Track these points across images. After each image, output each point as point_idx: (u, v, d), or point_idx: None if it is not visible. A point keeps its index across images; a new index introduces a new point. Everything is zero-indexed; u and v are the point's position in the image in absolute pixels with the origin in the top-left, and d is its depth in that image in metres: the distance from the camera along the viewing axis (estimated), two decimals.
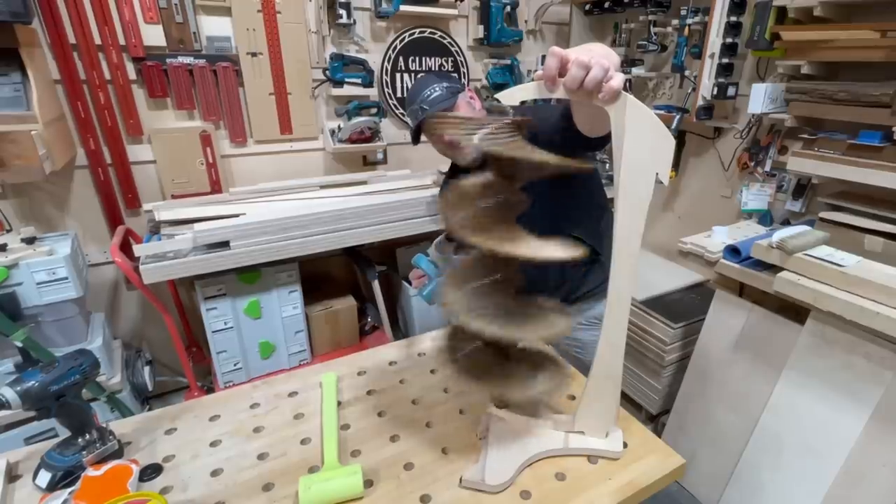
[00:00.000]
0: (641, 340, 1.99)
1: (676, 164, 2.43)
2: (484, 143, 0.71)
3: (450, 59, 2.58)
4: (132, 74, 1.93)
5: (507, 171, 0.74)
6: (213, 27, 2.03)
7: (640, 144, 0.70)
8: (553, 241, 0.75)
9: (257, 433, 0.96)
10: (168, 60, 1.95)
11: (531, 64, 2.76)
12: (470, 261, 0.79)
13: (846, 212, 1.66)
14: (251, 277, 1.91)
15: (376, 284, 2.19)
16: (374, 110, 2.33)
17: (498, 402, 0.96)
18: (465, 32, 2.59)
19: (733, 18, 1.91)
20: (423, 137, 1.28)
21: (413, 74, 2.50)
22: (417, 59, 2.49)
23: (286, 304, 2.02)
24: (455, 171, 1.40)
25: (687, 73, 2.18)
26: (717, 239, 1.87)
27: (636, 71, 2.41)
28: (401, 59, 2.45)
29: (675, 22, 2.16)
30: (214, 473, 0.86)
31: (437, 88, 1.19)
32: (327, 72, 2.24)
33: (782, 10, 1.73)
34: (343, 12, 2.15)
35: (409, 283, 1.35)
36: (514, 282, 0.80)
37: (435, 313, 1.47)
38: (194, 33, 1.98)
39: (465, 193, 0.75)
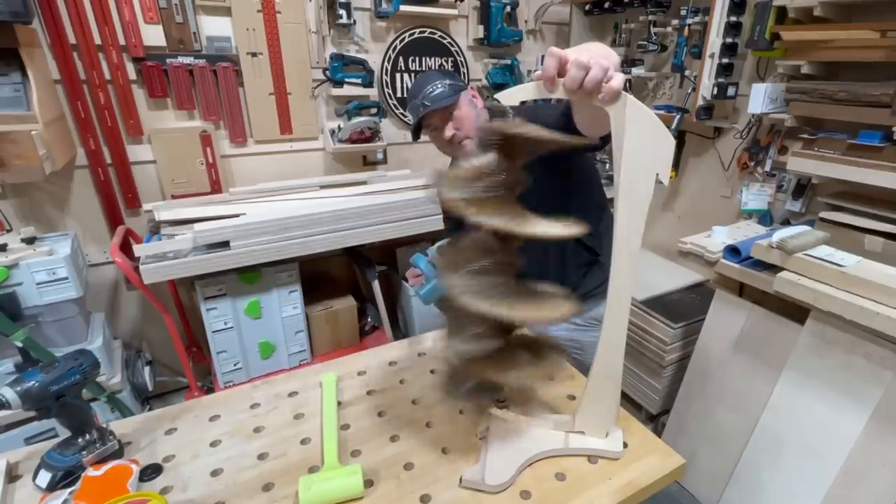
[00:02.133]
0: (641, 340, 1.99)
1: (676, 164, 2.43)
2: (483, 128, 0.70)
3: (450, 59, 2.58)
4: (132, 74, 1.93)
5: (508, 152, 0.73)
6: (213, 27, 2.03)
7: (640, 144, 0.70)
8: (553, 220, 0.73)
9: (257, 433, 0.96)
10: (168, 60, 1.95)
11: (531, 64, 2.76)
12: (470, 243, 0.78)
13: (846, 212, 1.66)
14: (251, 277, 1.91)
15: (376, 284, 2.19)
16: (374, 110, 2.34)
17: (498, 402, 0.96)
18: (465, 32, 2.59)
19: (733, 18, 1.92)
20: (423, 135, 1.28)
21: (413, 74, 2.50)
22: (417, 59, 2.49)
23: (286, 304, 2.02)
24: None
25: (687, 73, 2.18)
26: (717, 239, 1.87)
27: (636, 71, 2.41)
28: (401, 59, 2.45)
29: (675, 22, 2.16)
30: (214, 473, 0.86)
31: (439, 85, 1.18)
32: (327, 72, 2.24)
33: (782, 10, 1.73)
34: (343, 12, 2.16)
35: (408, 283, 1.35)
36: (513, 264, 0.79)
37: (435, 313, 1.47)
38: (194, 33, 1.98)
39: (465, 174, 0.74)
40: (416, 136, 1.27)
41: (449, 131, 1.19)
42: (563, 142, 0.70)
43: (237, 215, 1.85)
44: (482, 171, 0.73)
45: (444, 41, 2.53)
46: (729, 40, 1.95)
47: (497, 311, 0.71)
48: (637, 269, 0.77)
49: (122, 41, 1.87)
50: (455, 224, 0.82)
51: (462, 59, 2.61)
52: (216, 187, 2.17)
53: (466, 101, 1.21)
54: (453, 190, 0.72)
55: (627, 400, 2.11)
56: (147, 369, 2.07)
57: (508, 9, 2.52)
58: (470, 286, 0.74)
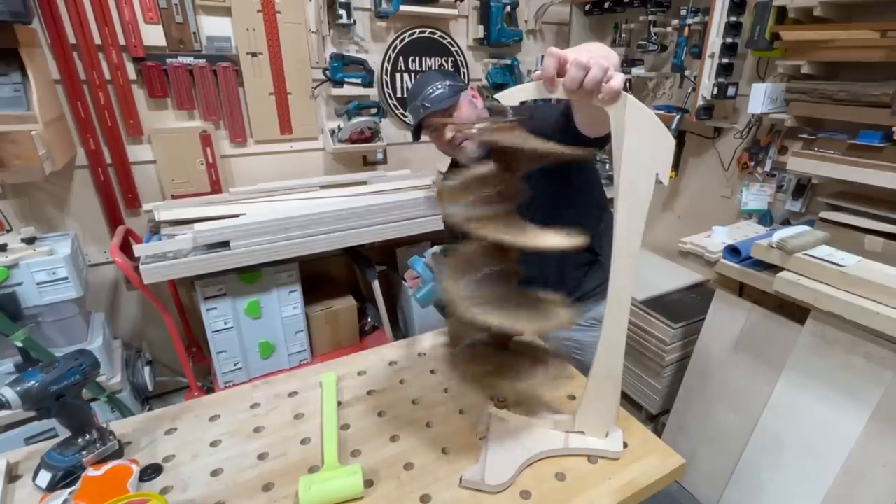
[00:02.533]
0: (641, 340, 1.99)
1: (676, 164, 2.43)
2: (482, 135, 0.70)
3: (450, 59, 2.58)
4: (132, 74, 1.93)
5: (507, 162, 0.73)
6: (213, 27, 2.03)
7: (640, 144, 0.70)
8: (553, 230, 0.74)
9: (257, 433, 0.96)
10: (168, 60, 1.95)
11: (531, 64, 2.76)
12: (470, 252, 0.79)
13: (846, 212, 1.66)
14: (251, 277, 1.91)
15: (376, 284, 2.19)
16: (374, 110, 2.34)
17: (498, 402, 0.96)
18: (465, 32, 2.59)
19: (733, 18, 1.92)
20: (423, 136, 1.28)
21: (413, 74, 2.50)
22: (417, 59, 2.49)
23: (286, 304, 2.02)
24: (455, 169, 1.40)
25: (687, 73, 2.18)
26: (717, 239, 1.87)
27: (636, 71, 2.41)
28: (401, 59, 2.45)
29: (675, 22, 2.16)
30: (214, 473, 0.86)
31: (439, 86, 1.18)
32: (327, 72, 2.24)
33: (782, 10, 1.73)
34: (343, 12, 2.16)
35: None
36: (515, 273, 0.80)
37: (435, 313, 1.47)
38: (194, 33, 1.98)
39: (465, 184, 0.74)
40: (416, 137, 1.28)
41: (449, 133, 1.19)
42: (562, 154, 0.70)
43: (237, 215, 1.85)
44: (480, 181, 0.74)
45: (444, 41, 2.53)
46: (729, 40, 1.95)
47: (498, 321, 0.72)
48: (637, 269, 0.77)
49: (122, 41, 1.87)
50: (455, 231, 0.82)
51: (462, 59, 2.61)
52: (216, 187, 2.17)
53: (466, 102, 1.21)
54: (453, 200, 0.73)
55: (627, 400, 2.11)
56: (147, 369, 2.07)
57: (508, 9, 2.52)
58: (470, 296, 0.74)
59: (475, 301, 0.73)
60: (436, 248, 1.26)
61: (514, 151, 0.71)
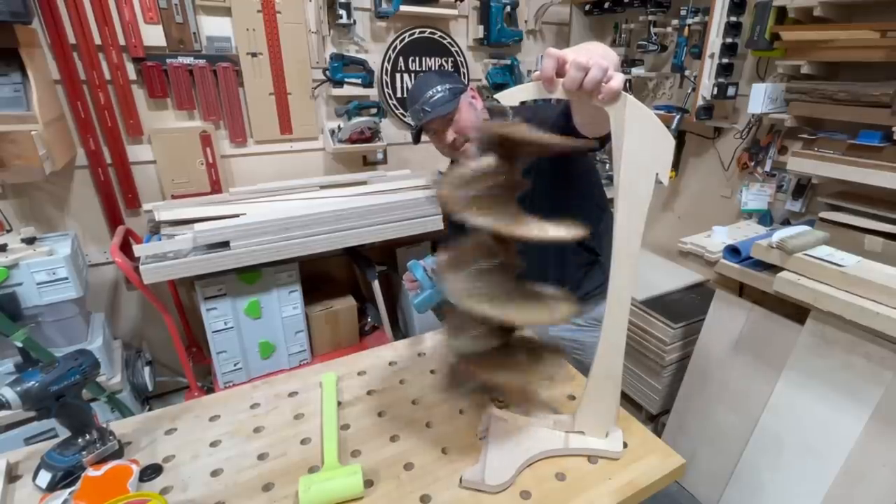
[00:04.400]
0: (641, 340, 1.99)
1: (676, 164, 2.43)
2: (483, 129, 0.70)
3: (450, 60, 2.58)
4: (132, 74, 1.93)
5: (506, 151, 0.73)
6: (213, 27, 2.03)
7: (639, 144, 0.70)
8: (553, 222, 0.74)
9: (257, 433, 0.96)
10: (168, 60, 1.95)
11: (531, 64, 2.76)
12: (469, 244, 0.78)
13: (846, 212, 1.66)
14: (251, 277, 1.91)
15: (376, 284, 2.19)
16: (374, 110, 2.34)
17: (498, 402, 0.96)
18: (465, 32, 2.59)
19: (733, 18, 1.91)
20: (423, 137, 1.28)
21: (413, 74, 2.50)
22: (417, 59, 2.49)
23: (286, 304, 2.02)
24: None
25: (687, 73, 2.18)
26: (717, 239, 1.87)
27: (636, 71, 2.41)
28: (401, 59, 2.45)
29: (675, 22, 2.16)
30: (214, 473, 0.86)
31: (438, 89, 1.19)
32: (327, 72, 2.24)
33: (782, 10, 1.73)
34: (343, 12, 2.16)
35: None
36: (514, 266, 0.79)
37: (434, 314, 1.47)
38: (194, 33, 1.98)
39: (466, 175, 0.74)
40: (416, 140, 1.28)
41: (450, 136, 1.19)
42: (562, 145, 0.70)
43: (237, 215, 1.85)
44: (482, 173, 0.73)
45: (444, 41, 2.53)
46: (729, 40, 1.95)
47: (497, 313, 0.71)
48: (637, 270, 0.77)
49: (122, 41, 1.87)
50: (455, 226, 0.82)
51: (462, 60, 2.61)
52: (216, 187, 2.17)
53: (466, 104, 1.21)
54: (453, 192, 0.72)
55: (627, 400, 2.11)
56: (147, 369, 2.07)
57: (508, 9, 2.52)
58: (470, 288, 0.74)
59: (472, 292, 0.73)
60: (435, 258, 1.26)
61: (514, 140, 0.71)
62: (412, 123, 1.27)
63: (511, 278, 0.78)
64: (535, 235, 0.70)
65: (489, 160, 0.73)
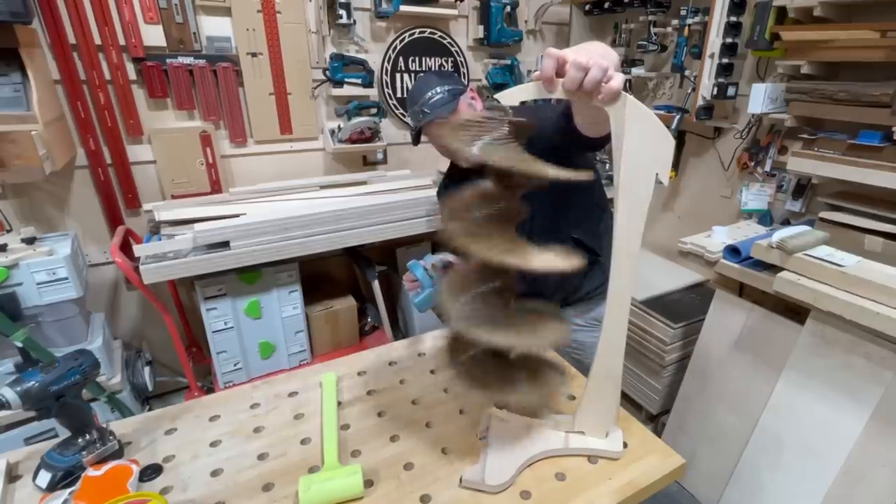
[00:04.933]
0: (641, 340, 1.99)
1: (676, 164, 2.43)
2: (482, 151, 0.71)
3: (450, 60, 2.58)
4: (132, 74, 1.93)
5: (506, 181, 0.74)
6: (213, 27, 2.03)
7: (639, 144, 0.70)
8: (552, 250, 0.75)
9: (257, 433, 0.96)
10: (168, 60, 1.95)
11: (531, 64, 2.76)
12: (468, 268, 0.79)
13: (846, 212, 1.66)
14: (251, 277, 1.91)
15: (376, 284, 2.19)
16: (374, 110, 2.33)
17: (499, 404, 0.96)
18: (465, 32, 2.59)
19: (733, 18, 1.91)
20: (423, 138, 1.28)
21: (413, 74, 2.50)
22: (417, 59, 2.49)
23: (286, 304, 2.02)
24: (454, 171, 1.40)
25: (687, 73, 2.18)
26: (717, 239, 1.87)
27: (636, 71, 2.41)
28: (401, 59, 2.45)
29: (675, 22, 2.16)
30: (214, 473, 0.86)
31: (438, 91, 1.19)
32: (327, 72, 2.24)
33: (782, 10, 1.73)
34: (343, 12, 2.15)
35: None
36: (512, 289, 0.80)
37: (434, 314, 1.48)
38: (194, 33, 1.98)
39: (464, 202, 0.75)
40: (416, 141, 1.28)
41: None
42: (561, 177, 0.70)
43: (237, 215, 1.85)
44: (480, 200, 0.74)
45: (444, 41, 2.53)
46: (729, 40, 1.95)
47: (491, 339, 0.72)
48: (637, 270, 0.77)
49: (122, 41, 1.87)
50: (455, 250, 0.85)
51: (462, 60, 2.61)
52: (216, 187, 2.17)
53: (466, 106, 1.21)
54: (454, 223, 0.73)
55: (627, 400, 2.11)
56: (147, 369, 2.07)
57: (508, 9, 2.52)
58: (466, 313, 0.75)
59: (471, 318, 0.74)
60: (435, 257, 1.26)
61: (512, 174, 0.72)
62: (412, 124, 1.27)
63: (508, 303, 0.79)
64: (532, 267, 0.71)
65: (487, 185, 0.74)
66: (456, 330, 0.80)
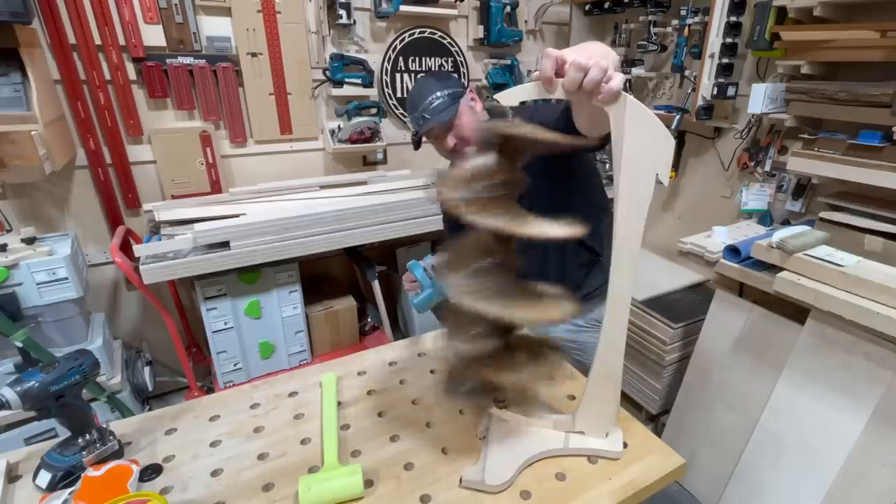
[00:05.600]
0: (641, 340, 1.99)
1: (676, 164, 2.43)
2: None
3: (450, 60, 2.58)
4: (132, 75, 1.93)
5: (506, 148, 0.73)
6: (213, 27, 2.03)
7: (639, 144, 0.70)
8: (553, 221, 0.73)
9: (257, 433, 0.96)
10: (168, 61, 1.95)
11: (531, 64, 2.76)
12: (469, 242, 0.78)
13: (846, 212, 1.66)
14: (251, 277, 1.91)
15: (376, 284, 2.19)
16: (374, 110, 2.34)
17: (498, 402, 0.96)
18: (465, 32, 2.59)
19: (733, 18, 1.92)
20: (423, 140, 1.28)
21: (413, 74, 2.50)
22: (417, 59, 2.49)
23: (286, 304, 2.02)
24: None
25: (687, 73, 2.18)
26: (717, 239, 1.87)
27: (636, 71, 2.41)
28: (401, 59, 2.45)
29: (675, 22, 2.16)
30: (214, 473, 0.86)
31: (438, 96, 1.19)
32: (327, 72, 2.24)
33: (782, 10, 1.73)
34: (343, 12, 2.15)
35: None
36: (514, 264, 0.79)
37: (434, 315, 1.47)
38: (194, 33, 1.98)
39: (465, 174, 0.74)
40: (417, 146, 1.29)
41: (451, 141, 1.20)
42: (561, 143, 0.70)
43: (237, 215, 1.85)
44: (481, 172, 0.73)
45: (444, 41, 2.53)
46: (729, 40, 1.95)
47: (495, 311, 0.71)
48: (637, 270, 0.77)
49: (122, 41, 1.87)
50: (454, 225, 0.82)
51: (462, 60, 2.61)
52: (216, 187, 2.17)
53: (466, 109, 1.21)
54: (453, 190, 0.72)
55: (627, 400, 2.11)
56: (147, 369, 2.07)
57: (508, 9, 2.52)
58: (470, 286, 0.74)
59: (472, 291, 0.73)
60: (435, 258, 1.26)
61: (515, 139, 0.71)
62: (413, 130, 1.27)
63: (510, 277, 0.78)
64: (535, 234, 0.70)
65: (488, 159, 0.73)
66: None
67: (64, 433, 0.87)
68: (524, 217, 0.73)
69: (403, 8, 2.26)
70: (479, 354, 0.80)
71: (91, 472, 0.79)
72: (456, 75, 2.60)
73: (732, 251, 1.60)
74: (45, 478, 0.82)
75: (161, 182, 2.09)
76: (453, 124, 1.18)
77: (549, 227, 0.71)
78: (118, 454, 0.89)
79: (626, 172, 0.71)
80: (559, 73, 0.68)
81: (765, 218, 2.04)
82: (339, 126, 2.30)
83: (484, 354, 0.80)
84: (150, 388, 2.07)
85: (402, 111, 2.54)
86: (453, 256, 0.78)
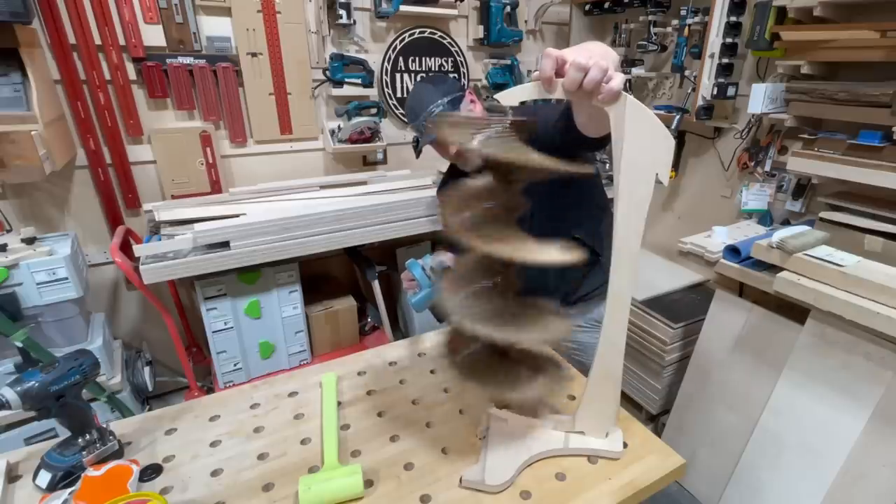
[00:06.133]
0: (641, 340, 1.99)
1: (676, 164, 2.43)
2: (485, 146, 0.71)
3: (450, 60, 2.58)
4: (132, 75, 1.93)
5: (506, 175, 0.74)
6: (213, 27, 2.03)
7: (639, 144, 0.70)
8: (552, 244, 0.75)
9: (257, 433, 0.96)
10: (168, 61, 1.95)
11: (531, 64, 2.76)
12: (468, 263, 0.79)
13: (846, 212, 1.66)
14: (251, 277, 1.91)
15: (376, 284, 2.19)
16: (374, 110, 2.34)
17: (498, 402, 0.96)
18: (465, 32, 2.59)
19: (733, 18, 1.92)
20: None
21: (413, 74, 2.50)
22: (417, 59, 2.49)
23: (286, 304, 2.02)
24: (454, 172, 1.40)
25: (687, 73, 2.18)
26: (717, 239, 1.87)
27: (636, 71, 2.41)
28: (401, 59, 2.45)
29: (675, 22, 2.16)
30: (214, 473, 0.86)
31: (438, 104, 1.20)
32: (327, 72, 2.24)
33: (782, 10, 1.73)
34: (343, 12, 2.15)
35: None
36: (513, 285, 0.80)
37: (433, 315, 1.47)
38: (194, 33, 1.98)
39: (465, 196, 0.75)
40: (418, 154, 1.29)
41: (453, 147, 1.20)
42: (560, 170, 0.70)
43: (237, 215, 1.85)
44: (481, 195, 0.74)
45: (444, 41, 2.53)
46: (729, 40, 1.95)
47: (492, 334, 0.72)
48: (637, 270, 0.77)
49: (122, 41, 1.87)
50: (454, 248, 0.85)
51: (462, 60, 2.61)
52: (216, 187, 2.17)
53: (465, 113, 1.22)
54: (454, 216, 0.73)
55: (627, 400, 2.11)
56: (147, 369, 2.07)
57: (508, 9, 2.52)
58: (467, 308, 0.75)
59: (472, 313, 0.74)
60: (434, 259, 1.26)
61: (513, 166, 0.72)
62: (413, 138, 1.28)
63: (509, 297, 0.79)
64: (532, 259, 0.71)
65: (488, 180, 0.74)
66: (456, 326, 0.80)
67: (64, 433, 0.87)
68: (523, 240, 0.75)
69: (403, 8, 2.26)
70: (481, 367, 0.81)
71: (91, 472, 0.79)
72: (453, 77, 2.60)
73: (732, 251, 1.60)
74: (45, 478, 0.82)
75: (161, 182, 2.09)
76: None
77: (546, 252, 0.72)
78: (118, 454, 0.89)
79: (626, 172, 0.71)
80: (559, 73, 0.68)
81: (765, 218, 2.04)
82: (339, 126, 2.30)
83: (486, 368, 0.81)
84: (150, 388, 2.07)
85: (402, 111, 2.54)
86: (453, 277, 0.80)
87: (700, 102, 2.05)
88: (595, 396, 0.87)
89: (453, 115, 1.13)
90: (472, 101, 1.25)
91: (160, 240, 1.73)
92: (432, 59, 2.53)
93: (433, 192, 2.14)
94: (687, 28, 2.10)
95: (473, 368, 0.82)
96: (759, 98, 1.81)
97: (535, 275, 0.81)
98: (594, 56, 0.66)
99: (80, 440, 0.86)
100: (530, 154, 0.72)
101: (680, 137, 2.34)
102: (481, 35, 2.55)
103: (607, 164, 2.47)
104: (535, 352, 0.90)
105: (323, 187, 2.21)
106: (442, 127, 0.75)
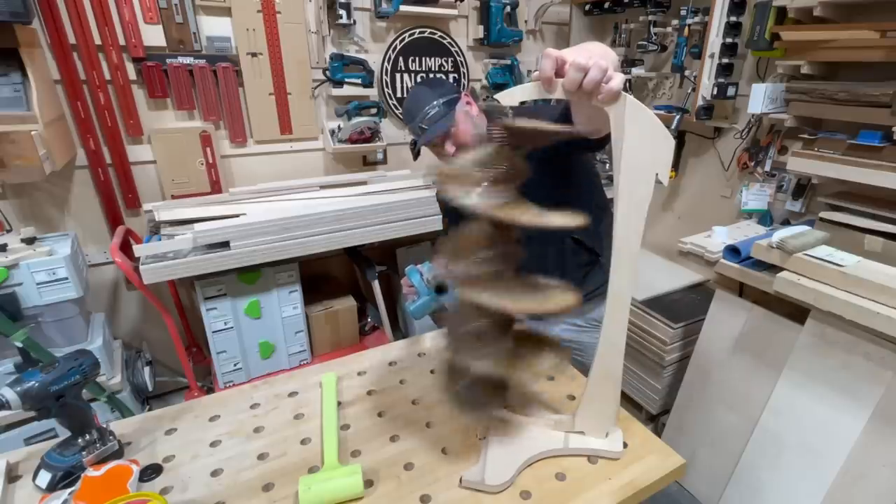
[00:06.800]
0: (641, 340, 1.99)
1: (676, 164, 2.43)
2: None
3: (450, 60, 2.58)
4: (132, 74, 1.93)
5: (511, 143, 0.73)
6: (213, 27, 2.03)
7: (639, 144, 0.70)
8: (555, 211, 0.73)
9: (257, 433, 0.96)
10: (168, 61, 1.95)
11: (531, 64, 2.76)
12: (470, 232, 0.78)
13: (846, 212, 1.66)
14: (251, 277, 1.91)
15: (376, 284, 2.19)
16: (374, 110, 2.34)
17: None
18: (465, 32, 2.59)
19: (733, 18, 1.92)
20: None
21: (413, 75, 2.50)
22: (417, 59, 2.49)
23: (286, 304, 2.02)
24: None
25: (687, 73, 2.18)
26: (717, 239, 1.87)
27: (636, 71, 2.41)
28: (401, 59, 2.45)
29: (675, 22, 2.16)
30: (214, 473, 0.86)
31: (434, 105, 1.20)
32: (327, 72, 2.24)
33: (782, 10, 1.73)
34: (343, 12, 2.15)
35: None
36: (515, 254, 0.78)
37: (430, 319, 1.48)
38: (194, 33, 1.98)
39: (466, 164, 0.74)
40: (416, 156, 1.29)
41: (450, 148, 1.20)
42: (562, 132, 0.70)
43: (237, 215, 1.85)
44: (482, 162, 0.73)
45: (444, 41, 2.53)
46: (729, 40, 1.95)
47: (496, 302, 0.71)
48: (637, 270, 0.77)
49: (122, 41, 1.87)
50: (454, 219, 0.82)
51: (462, 60, 2.61)
52: (216, 187, 2.17)
53: (462, 115, 1.22)
54: (453, 182, 0.72)
55: (627, 400, 2.11)
56: (147, 369, 2.07)
57: (508, 9, 2.52)
58: (469, 276, 0.73)
59: (473, 281, 0.73)
60: (434, 269, 1.26)
61: (514, 130, 0.71)
62: (411, 140, 1.28)
63: (511, 268, 0.78)
64: (536, 222, 0.69)
65: (489, 149, 0.73)
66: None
67: (64, 433, 0.87)
68: (525, 205, 0.73)
69: (403, 8, 2.26)
70: (481, 350, 0.79)
71: (91, 472, 0.79)
72: (450, 79, 2.59)
73: (732, 251, 1.60)
74: (45, 478, 0.82)
75: (161, 182, 2.09)
76: (451, 132, 1.19)
77: (549, 217, 0.71)
78: (118, 454, 0.89)
79: (626, 172, 0.71)
80: (559, 73, 0.68)
81: (765, 218, 2.04)
82: (339, 126, 2.30)
83: (485, 349, 0.79)
84: (150, 388, 2.07)
85: (401, 111, 2.54)
86: (454, 247, 0.78)
87: (700, 102, 2.05)
88: (595, 396, 0.87)
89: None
90: (468, 103, 1.25)
91: (160, 240, 1.73)
92: (432, 59, 2.53)
93: (433, 192, 2.14)
94: (687, 28, 2.10)
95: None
96: (759, 98, 1.81)
97: (535, 274, 0.81)
98: (594, 56, 0.66)
99: (80, 440, 0.86)
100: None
101: (680, 137, 2.34)
102: (481, 35, 2.55)
103: (607, 164, 2.47)
104: (536, 333, 0.88)
105: (323, 187, 2.21)
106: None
